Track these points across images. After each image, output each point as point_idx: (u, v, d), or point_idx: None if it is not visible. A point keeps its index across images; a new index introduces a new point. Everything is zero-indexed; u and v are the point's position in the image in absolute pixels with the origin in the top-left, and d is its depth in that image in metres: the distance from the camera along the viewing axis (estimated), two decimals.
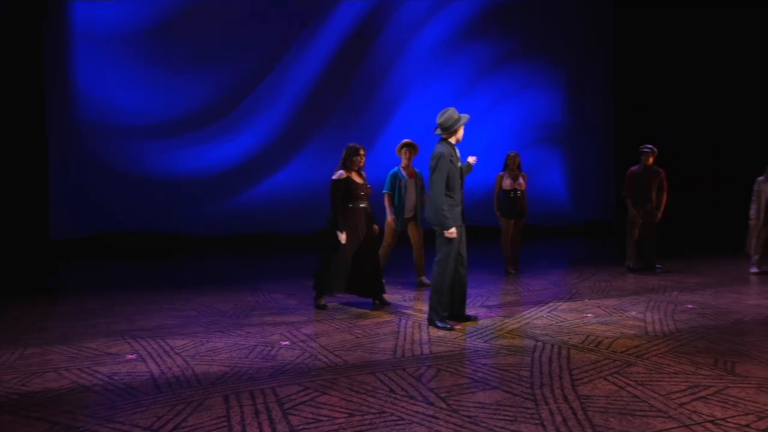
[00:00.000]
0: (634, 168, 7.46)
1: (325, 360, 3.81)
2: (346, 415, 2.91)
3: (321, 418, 2.88)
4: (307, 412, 2.95)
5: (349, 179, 5.26)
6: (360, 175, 5.40)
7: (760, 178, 7.13)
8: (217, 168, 10.11)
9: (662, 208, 7.38)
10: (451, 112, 4.64)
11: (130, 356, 3.87)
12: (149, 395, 3.17)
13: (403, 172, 6.34)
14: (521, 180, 7.27)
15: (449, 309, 4.72)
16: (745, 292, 6.09)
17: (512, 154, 7.34)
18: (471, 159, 4.88)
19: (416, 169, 6.40)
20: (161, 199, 9.59)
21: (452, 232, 4.52)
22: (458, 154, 4.71)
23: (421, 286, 6.42)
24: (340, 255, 5.22)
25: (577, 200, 12.95)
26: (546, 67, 12.48)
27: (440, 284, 4.61)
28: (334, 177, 5.27)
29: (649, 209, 7.32)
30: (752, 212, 7.17)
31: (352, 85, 10.91)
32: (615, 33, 12.80)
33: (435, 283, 4.64)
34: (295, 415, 2.91)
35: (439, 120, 4.65)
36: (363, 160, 5.36)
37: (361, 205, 5.34)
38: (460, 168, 4.71)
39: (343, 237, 5.16)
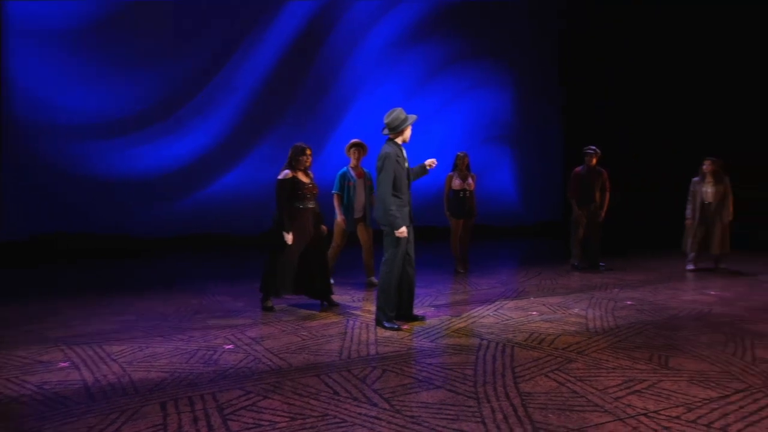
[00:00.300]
0: (578, 169, 7.66)
1: (269, 363, 3.74)
2: (287, 419, 2.86)
3: (262, 422, 2.82)
4: (247, 417, 2.89)
5: (295, 179, 5.20)
6: (307, 175, 5.34)
7: (695, 179, 7.44)
8: (166, 168, 9.80)
9: (605, 208, 7.59)
10: (398, 112, 4.65)
11: (63, 364, 3.70)
12: (81, 405, 3.03)
13: (352, 173, 6.31)
14: (470, 180, 7.34)
15: (396, 309, 4.73)
16: (682, 289, 6.34)
17: (461, 154, 7.40)
18: (429, 162, 4.87)
19: (365, 170, 6.39)
20: (108, 200, 9.22)
21: (402, 231, 4.53)
22: (405, 154, 4.72)
23: (370, 286, 6.40)
24: (286, 256, 5.15)
25: (527, 200, 13.19)
26: (495, 68, 12.63)
27: (388, 284, 4.61)
28: (279, 177, 5.20)
29: (593, 209, 7.53)
30: (688, 212, 7.48)
31: (302, 85, 10.78)
32: (561, 33, 13.07)
33: (382, 283, 4.63)
34: (234, 420, 2.84)
35: (386, 120, 4.66)
36: (310, 159, 5.31)
37: (309, 206, 5.29)
38: (407, 168, 4.72)
39: (289, 237, 5.10)
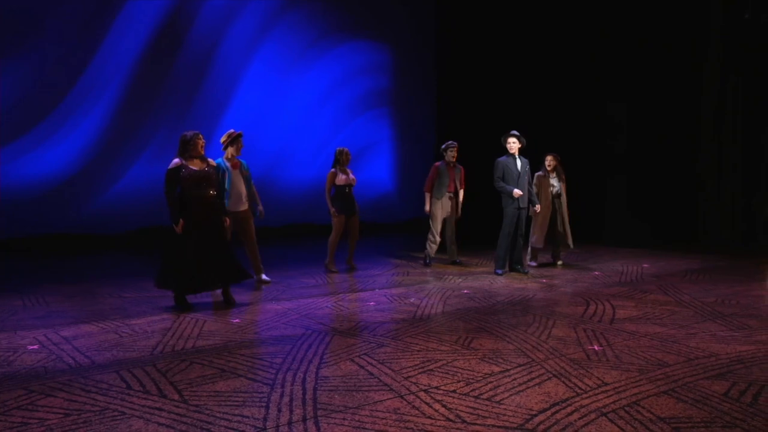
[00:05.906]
0: (437, 163, 7.94)
1: (69, 362, 3.58)
2: (61, 416, 2.76)
3: (30, 421, 2.70)
4: (17, 416, 2.75)
5: (183, 167, 4.97)
6: (203, 162, 5.10)
7: (539, 173, 7.93)
8: (44, 174, 9.11)
9: (461, 202, 7.88)
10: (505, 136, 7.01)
11: None
12: None
13: (227, 163, 6.10)
14: (352, 175, 7.26)
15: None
16: (518, 278, 6.77)
17: (344, 150, 7.26)
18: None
19: (242, 160, 6.19)
20: None
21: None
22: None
23: (261, 283, 6.28)
24: (181, 249, 4.98)
25: (402, 195, 13.33)
26: (373, 52, 12.60)
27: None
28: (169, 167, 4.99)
29: (451, 203, 7.81)
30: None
31: (175, 76, 10.34)
32: (437, 14, 13.12)
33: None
34: (0, 421, 2.70)
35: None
36: (200, 145, 5.09)
37: (202, 194, 5.02)
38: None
39: (178, 228, 4.93)
